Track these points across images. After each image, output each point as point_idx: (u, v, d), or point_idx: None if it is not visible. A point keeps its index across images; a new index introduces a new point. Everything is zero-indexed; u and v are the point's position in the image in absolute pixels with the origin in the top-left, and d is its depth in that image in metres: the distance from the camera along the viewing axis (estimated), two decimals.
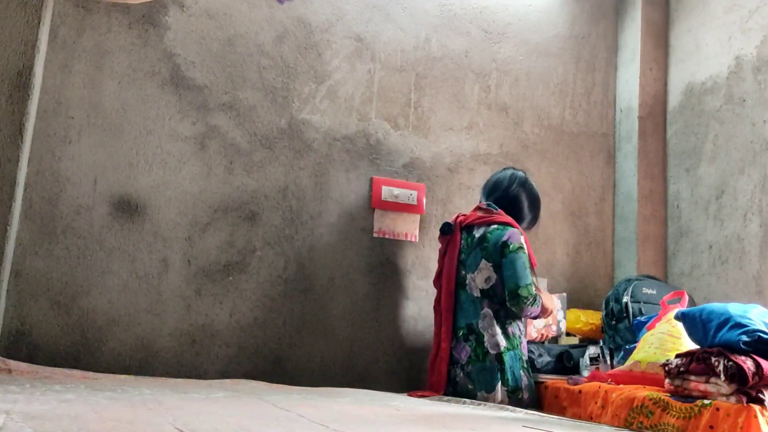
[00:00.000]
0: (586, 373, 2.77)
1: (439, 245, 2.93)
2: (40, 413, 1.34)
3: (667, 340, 2.49)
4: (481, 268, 2.69)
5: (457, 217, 2.88)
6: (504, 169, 3.01)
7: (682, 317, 2.33)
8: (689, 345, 2.40)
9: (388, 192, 3.16)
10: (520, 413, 2.14)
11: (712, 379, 2.06)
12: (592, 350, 2.87)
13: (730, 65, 3.36)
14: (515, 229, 2.72)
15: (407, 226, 3.19)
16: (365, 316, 3.05)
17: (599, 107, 3.77)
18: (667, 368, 2.19)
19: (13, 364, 2.25)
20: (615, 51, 3.85)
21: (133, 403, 1.64)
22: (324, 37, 3.15)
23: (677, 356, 2.21)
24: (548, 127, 3.61)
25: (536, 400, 2.67)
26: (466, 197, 3.34)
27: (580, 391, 2.53)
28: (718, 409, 1.99)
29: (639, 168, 3.59)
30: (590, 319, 3.19)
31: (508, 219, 2.76)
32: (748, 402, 1.96)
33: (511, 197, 2.85)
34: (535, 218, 2.94)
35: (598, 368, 2.75)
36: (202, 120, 2.88)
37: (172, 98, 2.84)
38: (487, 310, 2.66)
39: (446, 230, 2.85)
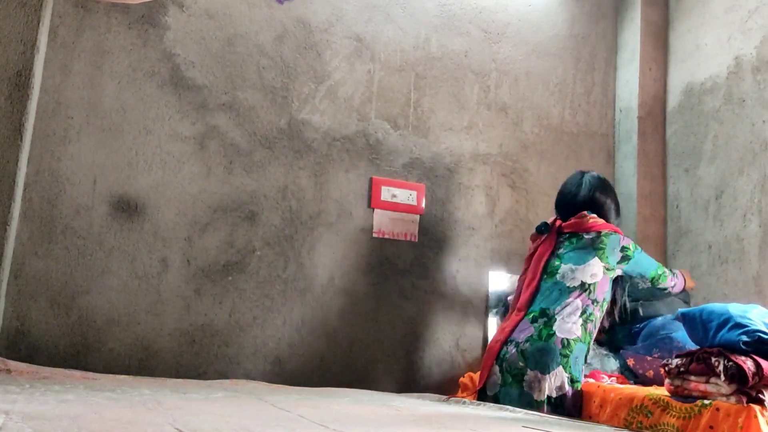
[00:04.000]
0: (586, 372, 2.77)
1: (530, 243, 2.95)
2: (39, 413, 1.34)
3: None
4: (591, 264, 2.68)
5: (555, 220, 2.90)
6: (575, 175, 3.01)
7: (682, 317, 2.33)
8: None
9: (387, 192, 3.16)
10: (520, 413, 2.14)
11: (712, 380, 2.06)
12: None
13: (729, 65, 3.36)
14: (622, 235, 2.80)
15: (407, 226, 3.19)
16: (365, 316, 3.05)
17: (599, 107, 3.77)
18: (667, 368, 2.19)
19: (12, 364, 2.25)
20: (614, 51, 3.85)
21: (132, 404, 1.64)
22: (324, 37, 3.15)
23: (677, 356, 2.21)
24: (548, 127, 3.61)
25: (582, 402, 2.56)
26: (465, 197, 3.34)
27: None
28: (718, 410, 1.99)
29: (638, 168, 3.59)
30: None
31: (614, 227, 2.83)
32: (748, 402, 1.96)
33: (598, 206, 2.89)
34: (620, 216, 3.02)
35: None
36: (202, 120, 2.88)
37: (171, 98, 2.84)
38: (576, 301, 2.62)
39: (543, 229, 2.88)
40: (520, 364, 2.53)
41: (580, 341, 2.56)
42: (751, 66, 3.25)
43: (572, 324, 2.57)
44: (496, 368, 2.60)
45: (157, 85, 2.83)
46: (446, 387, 3.10)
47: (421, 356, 3.14)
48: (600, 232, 2.76)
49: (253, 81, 2.99)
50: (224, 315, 2.82)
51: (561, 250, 2.79)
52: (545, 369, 2.48)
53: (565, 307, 2.61)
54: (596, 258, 2.70)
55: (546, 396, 2.44)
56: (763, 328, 2.07)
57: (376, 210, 3.14)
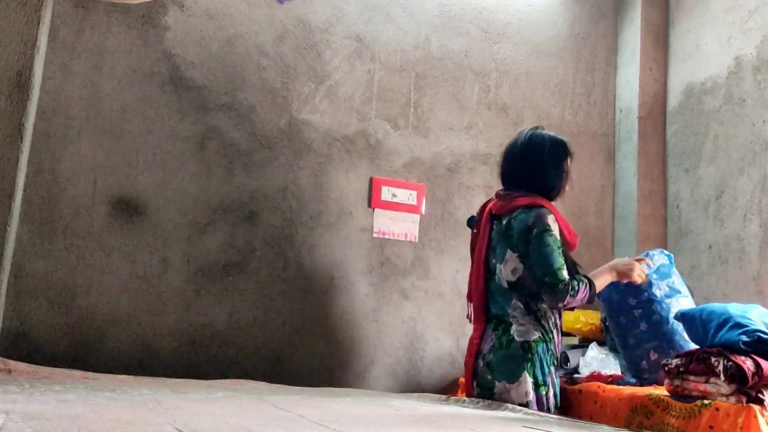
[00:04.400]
0: (586, 372, 2.78)
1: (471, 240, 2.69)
2: (39, 413, 1.34)
3: None
4: (507, 259, 2.41)
5: (487, 203, 2.59)
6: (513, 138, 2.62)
7: (681, 317, 2.33)
8: None
9: (387, 192, 3.16)
10: (520, 413, 2.14)
11: (712, 379, 2.06)
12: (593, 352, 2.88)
13: (729, 65, 3.36)
14: (541, 209, 2.37)
15: (407, 226, 3.19)
16: (365, 316, 3.05)
17: (599, 107, 3.77)
18: (666, 368, 2.19)
19: (12, 364, 2.24)
20: (615, 51, 3.85)
21: (132, 403, 1.64)
22: (324, 37, 3.15)
23: (677, 356, 2.21)
24: (548, 127, 3.56)
25: (563, 403, 2.47)
26: (466, 197, 3.34)
27: (580, 391, 2.53)
28: (717, 409, 1.99)
29: (639, 168, 3.59)
30: (590, 319, 3.18)
31: (531, 199, 2.41)
32: (747, 402, 1.96)
33: (526, 168, 2.48)
34: (564, 172, 2.51)
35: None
36: (202, 120, 2.88)
37: (171, 98, 2.84)
38: (516, 302, 2.41)
39: (470, 223, 2.67)
40: (488, 377, 2.40)
41: (541, 341, 2.38)
42: (751, 66, 3.25)
43: (527, 325, 2.40)
44: (474, 383, 2.47)
45: (157, 85, 2.83)
46: (446, 387, 3.10)
47: (421, 356, 3.14)
48: (512, 212, 2.41)
49: (253, 81, 2.99)
50: (224, 315, 2.82)
51: (493, 243, 2.50)
52: (511, 378, 2.35)
53: (514, 309, 2.41)
54: (509, 249, 2.41)
55: (518, 404, 2.31)
56: (763, 328, 2.07)
57: (376, 210, 3.14)
